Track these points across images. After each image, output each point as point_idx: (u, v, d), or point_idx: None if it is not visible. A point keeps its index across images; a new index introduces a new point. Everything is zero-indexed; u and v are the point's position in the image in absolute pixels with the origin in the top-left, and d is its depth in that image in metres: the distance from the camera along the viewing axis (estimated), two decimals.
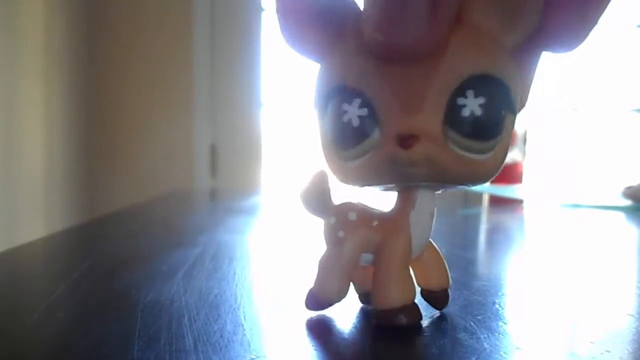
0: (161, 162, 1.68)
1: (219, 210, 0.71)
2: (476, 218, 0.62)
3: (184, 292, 0.24)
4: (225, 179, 1.70)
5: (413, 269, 0.21)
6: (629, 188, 0.67)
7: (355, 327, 0.20)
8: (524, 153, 0.91)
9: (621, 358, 0.17)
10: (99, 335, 0.19)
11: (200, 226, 0.49)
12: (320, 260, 0.21)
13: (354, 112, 0.18)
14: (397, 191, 0.21)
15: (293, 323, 0.21)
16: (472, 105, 0.17)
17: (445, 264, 0.22)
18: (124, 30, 1.67)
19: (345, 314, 0.21)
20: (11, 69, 1.28)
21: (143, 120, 1.69)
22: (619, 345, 0.18)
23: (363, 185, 0.20)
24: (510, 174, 0.90)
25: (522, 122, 0.91)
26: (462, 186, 0.19)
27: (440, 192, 0.20)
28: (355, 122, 0.18)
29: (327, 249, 0.21)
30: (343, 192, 0.22)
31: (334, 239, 0.21)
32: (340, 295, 0.21)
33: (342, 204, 0.21)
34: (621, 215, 0.59)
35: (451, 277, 0.22)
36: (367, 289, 0.22)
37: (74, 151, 1.61)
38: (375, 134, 0.18)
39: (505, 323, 0.20)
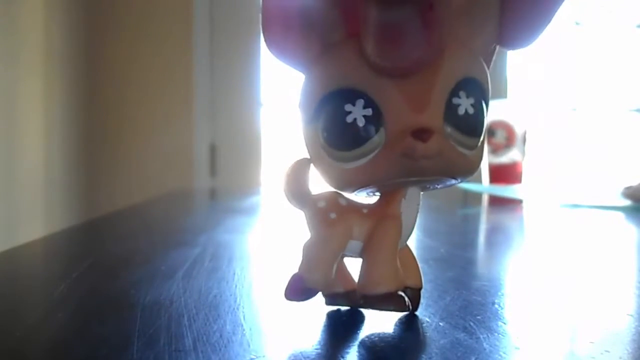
0: (161, 161, 1.68)
1: (218, 210, 0.71)
2: (476, 218, 0.62)
3: (183, 292, 0.24)
4: (225, 179, 1.70)
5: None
6: (628, 188, 0.67)
7: (354, 327, 0.20)
8: (523, 153, 0.91)
9: (620, 358, 0.17)
10: (99, 335, 0.19)
11: (199, 226, 0.49)
12: (305, 245, 0.20)
13: (358, 112, 0.18)
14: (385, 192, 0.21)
15: (293, 323, 0.21)
16: (465, 104, 0.19)
17: (417, 263, 0.22)
18: (124, 30, 1.67)
19: (345, 314, 0.21)
20: (11, 70, 1.28)
21: (143, 120, 1.69)
22: (619, 345, 0.18)
23: (362, 186, 0.20)
24: (510, 174, 0.90)
25: (522, 122, 0.91)
26: (452, 182, 0.20)
27: (426, 189, 0.21)
28: (361, 122, 0.18)
29: (315, 233, 0.20)
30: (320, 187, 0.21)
31: (325, 221, 0.20)
32: (327, 281, 0.20)
33: (327, 192, 0.21)
34: (621, 215, 0.59)
35: (450, 277, 0.22)
36: (337, 289, 0.22)
37: (73, 151, 1.61)
38: (381, 134, 0.18)
39: (504, 323, 0.20)
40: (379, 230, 0.20)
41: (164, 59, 1.68)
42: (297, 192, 0.21)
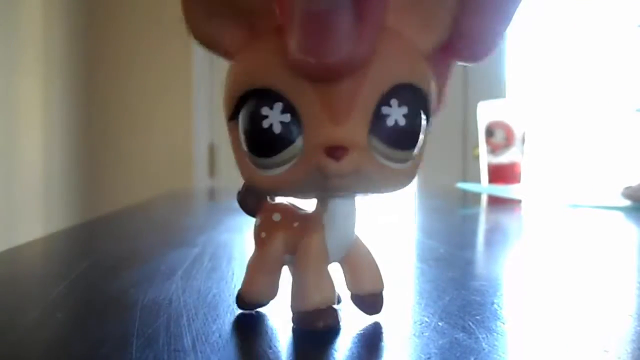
0: (160, 161, 1.68)
1: (217, 210, 0.71)
2: (475, 218, 0.62)
3: (182, 292, 0.24)
4: (224, 179, 1.70)
5: (344, 274, 0.21)
6: (628, 188, 0.67)
7: (353, 325, 0.20)
8: (522, 153, 0.91)
9: (620, 358, 0.17)
10: (98, 335, 0.19)
11: (199, 226, 0.49)
12: (248, 261, 0.21)
13: (275, 117, 0.16)
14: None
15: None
16: (396, 115, 0.16)
17: (378, 265, 0.21)
18: (123, 30, 1.67)
19: (344, 314, 0.21)
20: (10, 70, 1.28)
21: (142, 121, 1.69)
22: (618, 345, 0.18)
23: (282, 194, 0.19)
24: (509, 174, 0.90)
25: (521, 122, 0.91)
26: (381, 193, 0.19)
27: (358, 197, 0.20)
28: (277, 129, 0.16)
29: (254, 250, 0.21)
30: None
31: (258, 241, 0.21)
32: (266, 296, 0.21)
33: (271, 204, 0.21)
34: (620, 215, 0.59)
35: (450, 277, 0.22)
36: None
37: (72, 152, 1.61)
38: (298, 142, 0.17)
39: (503, 323, 0.20)
40: (301, 247, 0.20)
41: (163, 59, 1.68)
42: (250, 206, 0.21)
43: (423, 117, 0.17)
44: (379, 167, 0.17)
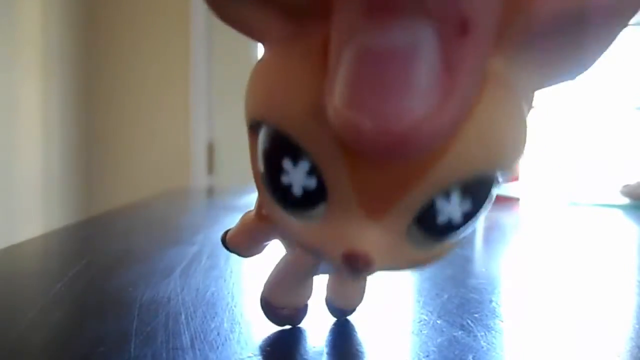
0: (158, 160, 1.68)
1: (216, 208, 0.71)
2: None
3: (180, 290, 0.24)
4: (223, 177, 1.70)
5: (329, 283, 0.20)
6: (626, 186, 0.67)
7: (351, 325, 0.20)
8: None
9: (618, 356, 0.17)
10: (96, 333, 0.19)
11: (197, 224, 0.49)
12: (277, 265, 0.19)
13: (298, 178, 0.12)
14: None
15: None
16: (453, 212, 0.11)
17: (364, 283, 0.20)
18: (122, 29, 1.66)
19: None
20: (9, 70, 1.28)
21: (140, 119, 1.68)
22: (617, 344, 0.18)
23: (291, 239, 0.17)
24: None
25: None
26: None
27: None
28: (298, 192, 0.12)
29: (288, 252, 0.19)
30: None
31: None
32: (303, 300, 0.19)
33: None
34: (619, 213, 0.59)
35: (448, 275, 0.22)
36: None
37: (71, 150, 1.61)
38: (320, 210, 0.12)
39: (502, 321, 0.20)
40: None
41: (161, 58, 1.68)
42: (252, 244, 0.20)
43: (483, 210, 0.12)
44: (408, 257, 0.13)
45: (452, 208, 0.11)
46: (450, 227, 0.12)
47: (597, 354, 0.17)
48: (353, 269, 0.12)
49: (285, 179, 0.12)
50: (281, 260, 0.19)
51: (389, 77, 0.09)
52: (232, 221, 0.19)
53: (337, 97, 0.10)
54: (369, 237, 0.12)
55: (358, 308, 0.21)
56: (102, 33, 1.66)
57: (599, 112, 1.56)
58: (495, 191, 0.12)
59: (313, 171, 0.11)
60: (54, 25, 1.50)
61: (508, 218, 0.62)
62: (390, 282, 0.26)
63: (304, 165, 0.11)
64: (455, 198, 0.11)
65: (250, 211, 0.19)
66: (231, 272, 0.28)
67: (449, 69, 0.09)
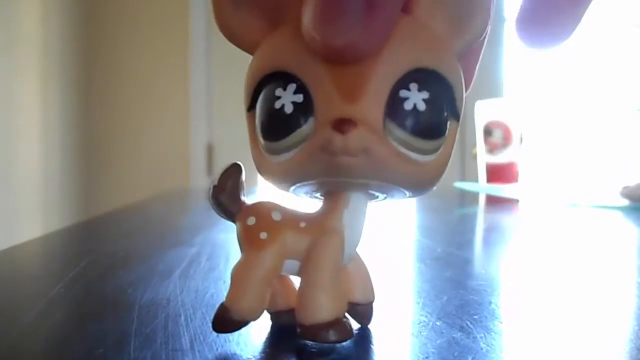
0: (158, 161, 1.68)
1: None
2: (472, 218, 0.62)
3: (180, 292, 0.24)
4: None
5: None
6: (626, 188, 0.67)
7: (352, 325, 0.20)
8: (520, 152, 0.91)
9: (618, 357, 0.17)
10: (95, 335, 0.19)
11: (196, 226, 0.49)
12: (234, 269, 0.18)
13: (288, 97, 0.16)
14: (327, 193, 0.18)
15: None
16: (415, 99, 0.15)
17: (370, 275, 0.20)
18: (122, 29, 1.66)
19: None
20: (8, 70, 1.28)
21: (140, 120, 1.68)
22: (617, 345, 0.18)
23: (291, 183, 0.17)
24: (507, 174, 0.90)
25: (519, 121, 0.91)
26: (402, 193, 0.17)
27: (374, 200, 0.19)
28: (289, 109, 0.16)
29: (244, 256, 0.18)
30: (261, 195, 0.20)
31: (254, 242, 0.18)
32: (258, 312, 0.18)
33: (260, 202, 0.18)
34: (618, 214, 0.59)
35: (447, 277, 0.22)
36: (281, 307, 0.19)
37: (70, 151, 1.61)
38: (310, 124, 0.16)
39: (501, 322, 0.20)
40: (318, 248, 0.17)
41: (161, 58, 1.68)
42: (228, 203, 0.18)
43: (448, 108, 0.16)
44: (394, 152, 0.16)
45: (413, 95, 0.15)
46: (418, 114, 0.16)
47: (597, 356, 0.17)
48: (341, 130, 0.15)
49: (278, 103, 0.16)
50: (237, 266, 0.18)
51: (332, 10, 0.14)
52: (230, 223, 0.19)
53: (305, 20, 0.15)
54: (350, 110, 0.15)
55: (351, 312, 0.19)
56: (102, 35, 1.66)
57: (598, 113, 1.56)
58: (456, 95, 0.16)
59: (299, 90, 0.16)
60: (53, 25, 1.50)
61: (508, 220, 0.62)
62: (390, 282, 0.26)
63: (291, 87, 0.16)
64: (414, 89, 0.15)
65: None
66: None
67: (372, 9, 0.14)
